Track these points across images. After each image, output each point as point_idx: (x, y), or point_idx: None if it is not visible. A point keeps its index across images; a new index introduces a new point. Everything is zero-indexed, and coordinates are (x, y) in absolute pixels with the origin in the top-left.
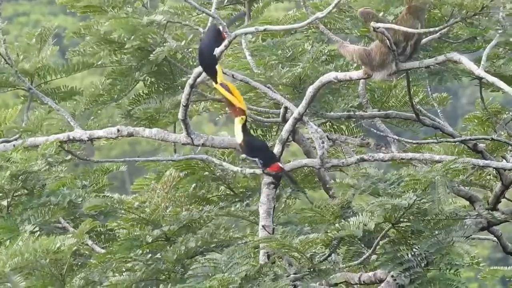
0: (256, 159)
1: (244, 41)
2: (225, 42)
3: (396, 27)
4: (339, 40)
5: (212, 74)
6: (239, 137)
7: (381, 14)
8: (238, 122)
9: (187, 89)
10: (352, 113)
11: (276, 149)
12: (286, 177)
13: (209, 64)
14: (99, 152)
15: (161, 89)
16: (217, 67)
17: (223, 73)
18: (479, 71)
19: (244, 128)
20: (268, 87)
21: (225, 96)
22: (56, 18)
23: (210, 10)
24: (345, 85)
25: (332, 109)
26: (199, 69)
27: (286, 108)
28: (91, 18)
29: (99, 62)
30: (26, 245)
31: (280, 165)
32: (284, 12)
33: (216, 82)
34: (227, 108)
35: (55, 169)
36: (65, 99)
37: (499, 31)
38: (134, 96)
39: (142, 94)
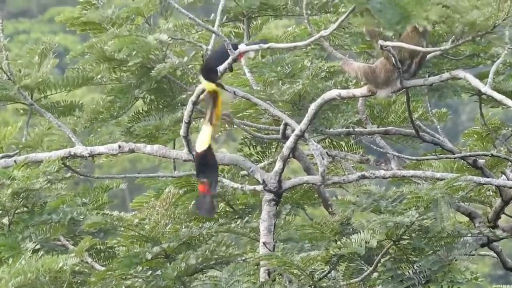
0: (205, 179)
1: (243, 58)
2: (229, 60)
3: (405, 45)
4: (342, 57)
5: (210, 79)
6: (202, 145)
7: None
8: (209, 130)
9: (189, 106)
10: (351, 129)
11: (277, 167)
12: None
13: (207, 70)
14: (100, 169)
15: (161, 106)
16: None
17: (225, 89)
18: (485, 89)
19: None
20: (269, 104)
21: (217, 102)
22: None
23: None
24: (345, 101)
25: (332, 125)
26: (201, 86)
27: (285, 125)
28: (91, 36)
29: (99, 76)
30: (29, 264)
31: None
32: (284, 29)
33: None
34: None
35: (56, 186)
36: (65, 114)
37: (507, 48)
38: (133, 114)
39: (141, 111)
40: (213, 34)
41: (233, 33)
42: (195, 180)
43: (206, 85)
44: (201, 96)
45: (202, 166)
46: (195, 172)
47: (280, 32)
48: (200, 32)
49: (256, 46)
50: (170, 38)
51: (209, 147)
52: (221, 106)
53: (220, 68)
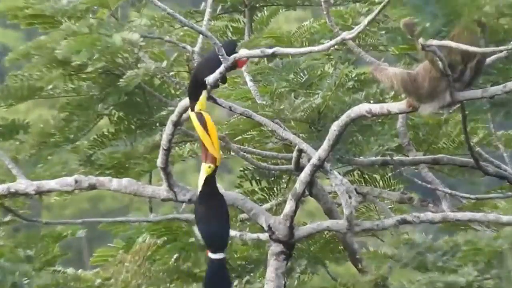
0: (199, 234)
1: (244, 69)
2: (221, 69)
3: (456, 45)
4: (374, 60)
5: (191, 102)
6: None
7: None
8: (204, 170)
9: (169, 127)
10: (388, 158)
11: (288, 208)
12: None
13: (195, 87)
14: (48, 211)
15: (133, 126)
16: (204, 92)
17: (217, 103)
18: None
19: (209, 181)
20: (277, 123)
21: (196, 131)
22: None
23: (200, 24)
24: (380, 120)
25: (362, 152)
26: (184, 102)
27: (300, 151)
28: (40, 32)
29: (50, 86)
30: None
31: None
32: (298, 24)
33: (192, 110)
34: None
35: None
36: (3, 137)
37: None
38: (96, 137)
39: (106, 133)
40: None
41: (230, 29)
42: (178, 226)
43: (189, 112)
44: (185, 115)
45: (201, 220)
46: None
47: (293, 27)
48: (185, 28)
49: (257, 52)
50: (142, 39)
51: (204, 192)
52: (213, 130)
53: (210, 78)
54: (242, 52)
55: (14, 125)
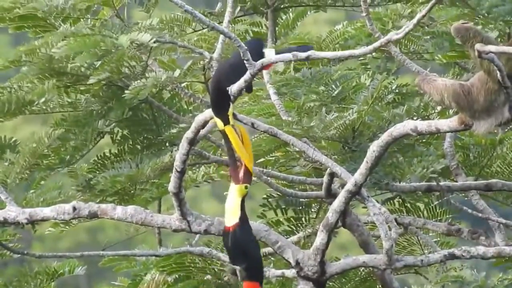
0: (237, 267)
1: (266, 72)
2: (246, 76)
3: None
4: (420, 69)
5: (221, 115)
6: (232, 217)
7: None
8: (238, 192)
9: (183, 146)
10: (434, 183)
11: (319, 240)
12: None
13: (219, 97)
14: (41, 243)
15: (138, 146)
16: (231, 107)
17: (238, 120)
18: None
19: (243, 205)
20: (306, 143)
21: (233, 145)
22: None
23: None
24: (424, 139)
25: (404, 176)
26: (202, 116)
27: (332, 175)
28: (31, 37)
29: (43, 100)
30: None
31: None
32: (328, 27)
33: (227, 123)
34: (228, 168)
35: None
36: None
37: None
38: (96, 158)
39: (108, 154)
40: (221, 35)
41: (251, 33)
42: (192, 261)
43: (215, 120)
44: (202, 131)
45: (237, 250)
46: (229, 259)
47: (324, 31)
48: (200, 32)
49: (288, 56)
50: (154, 40)
51: (243, 220)
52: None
53: (233, 88)
54: (271, 56)
55: (1, 145)
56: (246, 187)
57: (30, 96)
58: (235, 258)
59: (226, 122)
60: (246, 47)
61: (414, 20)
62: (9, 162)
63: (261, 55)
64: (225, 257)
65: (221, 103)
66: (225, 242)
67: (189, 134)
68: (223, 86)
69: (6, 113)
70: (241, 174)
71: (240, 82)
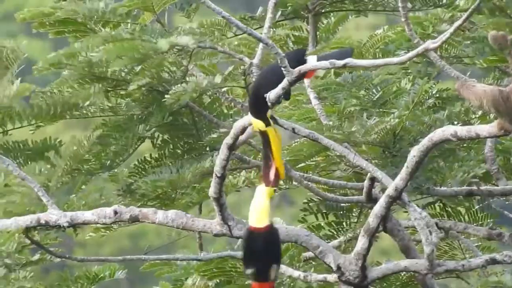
0: (250, 268)
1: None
2: (284, 83)
3: None
4: (460, 75)
5: (261, 116)
6: (261, 219)
7: None
8: (267, 194)
9: (223, 151)
10: (475, 187)
11: (360, 245)
12: None
13: (257, 103)
14: (83, 249)
15: (179, 151)
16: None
17: (279, 124)
18: None
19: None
20: (346, 148)
21: (272, 146)
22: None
23: (259, 32)
24: (464, 143)
25: (444, 181)
26: (241, 122)
27: (372, 180)
28: (71, 42)
29: (84, 104)
30: None
31: None
32: (370, 32)
33: (268, 124)
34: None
35: (16, 275)
36: (32, 159)
37: None
38: (137, 163)
39: (149, 159)
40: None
41: (292, 38)
42: (233, 265)
43: (253, 122)
44: (242, 137)
45: (258, 251)
46: (243, 259)
47: (364, 36)
48: (240, 36)
49: (325, 63)
50: (194, 41)
51: (271, 224)
52: (279, 149)
53: (271, 95)
54: (308, 64)
55: (44, 147)
56: (274, 190)
57: (74, 100)
58: (253, 259)
59: (267, 123)
60: (283, 54)
61: (451, 29)
62: (51, 164)
63: (302, 62)
64: None
65: (260, 106)
66: (246, 241)
67: (228, 140)
68: (262, 91)
69: (48, 117)
70: (272, 176)
71: (278, 89)
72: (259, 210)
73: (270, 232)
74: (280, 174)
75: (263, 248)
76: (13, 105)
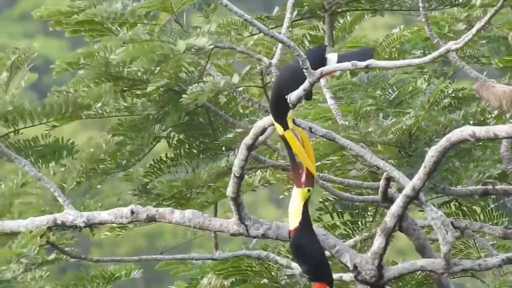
0: (298, 269)
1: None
2: (305, 84)
3: None
4: (479, 75)
5: (280, 120)
6: (294, 220)
7: None
8: (300, 196)
9: (242, 151)
10: (490, 187)
11: (377, 245)
12: None
13: (279, 107)
14: (99, 249)
15: (195, 151)
16: (290, 112)
17: (296, 124)
18: None
19: (306, 209)
20: (362, 147)
21: (294, 150)
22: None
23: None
24: (480, 143)
25: (460, 180)
26: (261, 122)
27: (388, 180)
28: (88, 42)
29: (99, 104)
30: None
31: None
32: (386, 31)
33: (286, 128)
34: (291, 172)
35: (33, 275)
36: (47, 159)
37: None
38: (153, 162)
39: (165, 159)
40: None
41: (308, 37)
42: (249, 265)
43: (276, 125)
44: (261, 138)
45: (300, 252)
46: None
47: (381, 35)
48: (257, 36)
49: (347, 65)
50: (211, 41)
51: (304, 224)
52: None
53: (292, 96)
54: (330, 66)
55: (58, 146)
56: (308, 190)
57: (87, 100)
58: (298, 261)
59: (285, 127)
60: (305, 56)
61: (474, 30)
62: (66, 165)
63: (323, 61)
64: (282, 260)
65: (280, 109)
66: (290, 245)
67: (248, 140)
68: (283, 92)
69: (63, 116)
70: (303, 177)
71: (299, 91)
72: (291, 213)
73: (300, 233)
74: (311, 174)
75: (300, 249)
76: (24, 103)
